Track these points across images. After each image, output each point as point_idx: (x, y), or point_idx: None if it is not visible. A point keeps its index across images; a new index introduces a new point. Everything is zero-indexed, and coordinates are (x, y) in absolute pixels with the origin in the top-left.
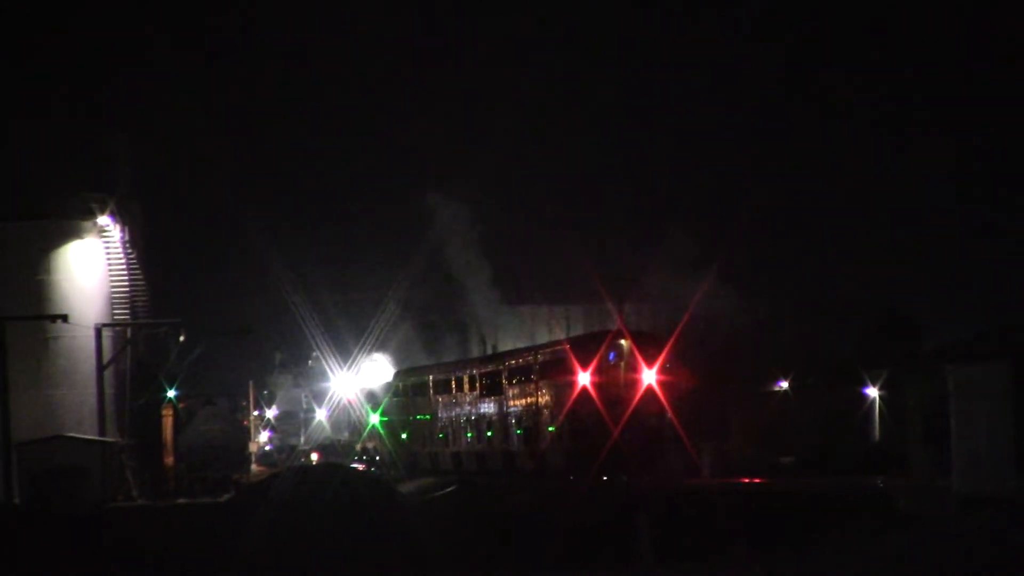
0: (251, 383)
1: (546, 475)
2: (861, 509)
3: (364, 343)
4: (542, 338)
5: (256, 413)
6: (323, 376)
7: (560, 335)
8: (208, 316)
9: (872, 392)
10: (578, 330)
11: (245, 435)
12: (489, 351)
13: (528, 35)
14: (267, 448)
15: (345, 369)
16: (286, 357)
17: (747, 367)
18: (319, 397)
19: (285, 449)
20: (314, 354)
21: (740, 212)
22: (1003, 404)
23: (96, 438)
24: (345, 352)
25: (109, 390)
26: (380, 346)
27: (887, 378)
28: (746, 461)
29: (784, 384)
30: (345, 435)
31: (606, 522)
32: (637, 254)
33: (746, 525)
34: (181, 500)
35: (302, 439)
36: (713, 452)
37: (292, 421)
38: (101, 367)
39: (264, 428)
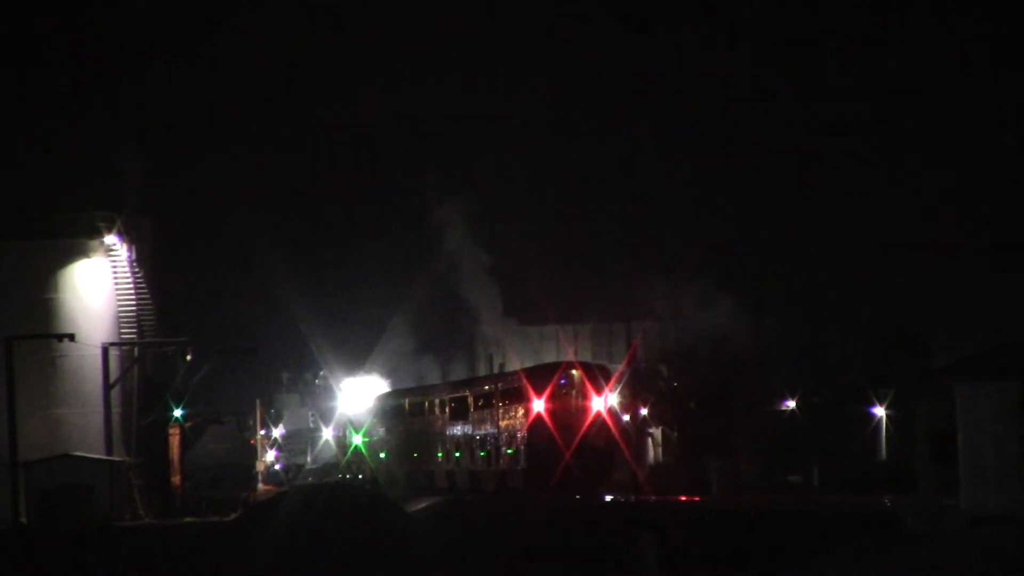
0: (258, 402)
1: (506, 493)
2: (868, 527)
3: (368, 363)
4: (549, 357)
5: (263, 432)
6: (330, 395)
7: (568, 354)
8: (215, 335)
9: (879, 410)
10: (586, 349)
11: (252, 454)
12: (496, 370)
13: (534, 49)
14: (275, 467)
15: (343, 389)
16: (293, 376)
17: (755, 386)
18: (326, 416)
19: (292, 468)
20: (321, 373)
21: (748, 229)
22: (1010, 422)
23: (103, 457)
24: (352, 371)
25: (116, 409)
26: (386, 365)
27: (894, 396)
28: (754, 479)
29: (791, 403)
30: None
31: (611, 540)
32: (643, 272)
33: (753, 543)
34: (188, 519)
35: (309, 458)
36: (721, 470)
37: (299, 440)
38: (108, 386)
39: (271, 447)
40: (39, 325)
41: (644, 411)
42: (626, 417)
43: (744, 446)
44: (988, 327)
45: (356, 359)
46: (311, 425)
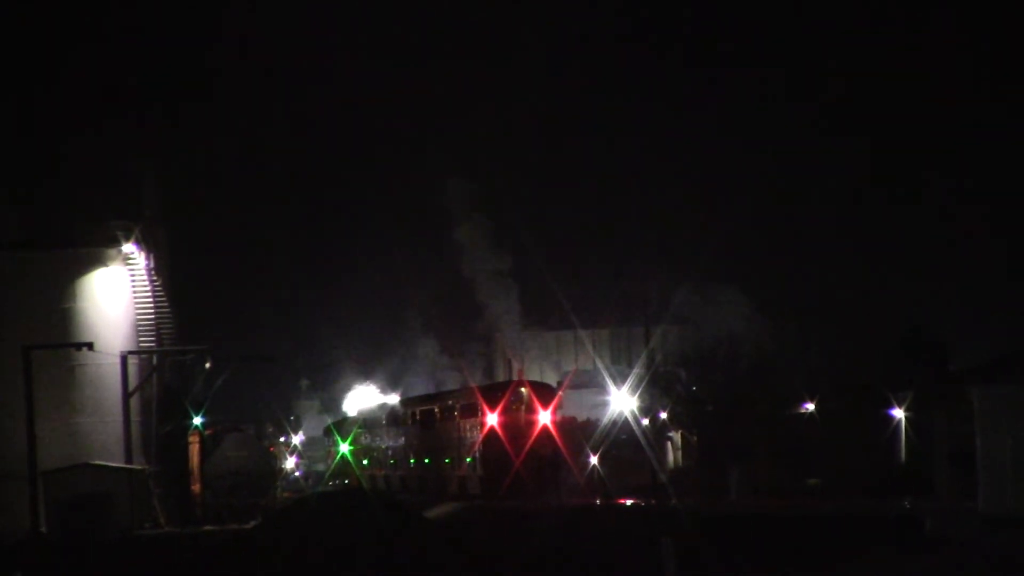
0: (277, 409)
1: (466, 496)
2: (888, 531)
3: (382, 370)
4: (567, 362)
5: (282, 439)
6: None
7: (586, 360)
8: (234, 342)
9: (898, 414)
10: (605, 354)
11: (271, 461)
12: (514, 376)
13: (553, 54)
14: (295, 474)
15: (349, 399)
16: (312, 383)
17: (773, 389)
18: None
19: (312, 475)
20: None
21: (766, 232)
22: None
23: (123, 466)
24: (368, 377)
25: (135, 417)
26: (401, 372)
27: (913, 400)
28: (772, 483)
29: (810, 406)
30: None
31: (632, 544)
32: (662, 276)
33: (772, 547)
34: (208, 527)
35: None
36: (739, 474)
37: (318, 447)
38: (127, 394)
39: (290, 454)
40: (58, 334)
41: (663, 415)
42: (645, 421)
43: (763, 450)
44: (1005, 331)
45: (373, 366)
46: None
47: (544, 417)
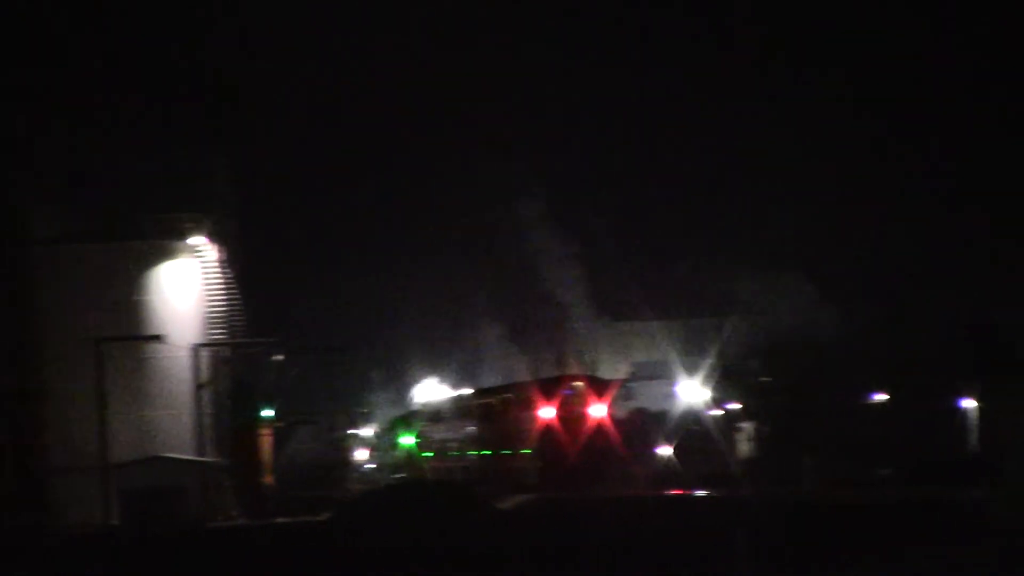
0: (349, 401)
1: (522, 488)
2: (956, 520)
3: (452, 362)
4: (640, 353)
5: (354, 431)
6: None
7: (656, 352)
8: (306, 333)
9: (968, 403)
10: (677, 345)
11: (343, 453)
12: (588, 368)
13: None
14: (368, 466)
15: (415, 393)
16: (383, 374)
17: (843, 379)
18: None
19: (384, 467)
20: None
21: (835, 224)
22: None
23: (194, 458)
24: (442, 370)
25: (206, 410)
26: (471, 364)
27: (983, 388)
28: (844, 472)
29: (881, 396)
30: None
31: (705, 538)
32: (735, 267)
33: (841, 537)
34: (280, 519)
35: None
36: (811, 464)
37: (389, 439)
38: (198, 387)
39: (362, 446)
40: (128, 327)
41: (735, 405)
42: (718, 412)
43: (833, 440)
44: None
45: (443, 357)
46: None
47: (599, 410)
